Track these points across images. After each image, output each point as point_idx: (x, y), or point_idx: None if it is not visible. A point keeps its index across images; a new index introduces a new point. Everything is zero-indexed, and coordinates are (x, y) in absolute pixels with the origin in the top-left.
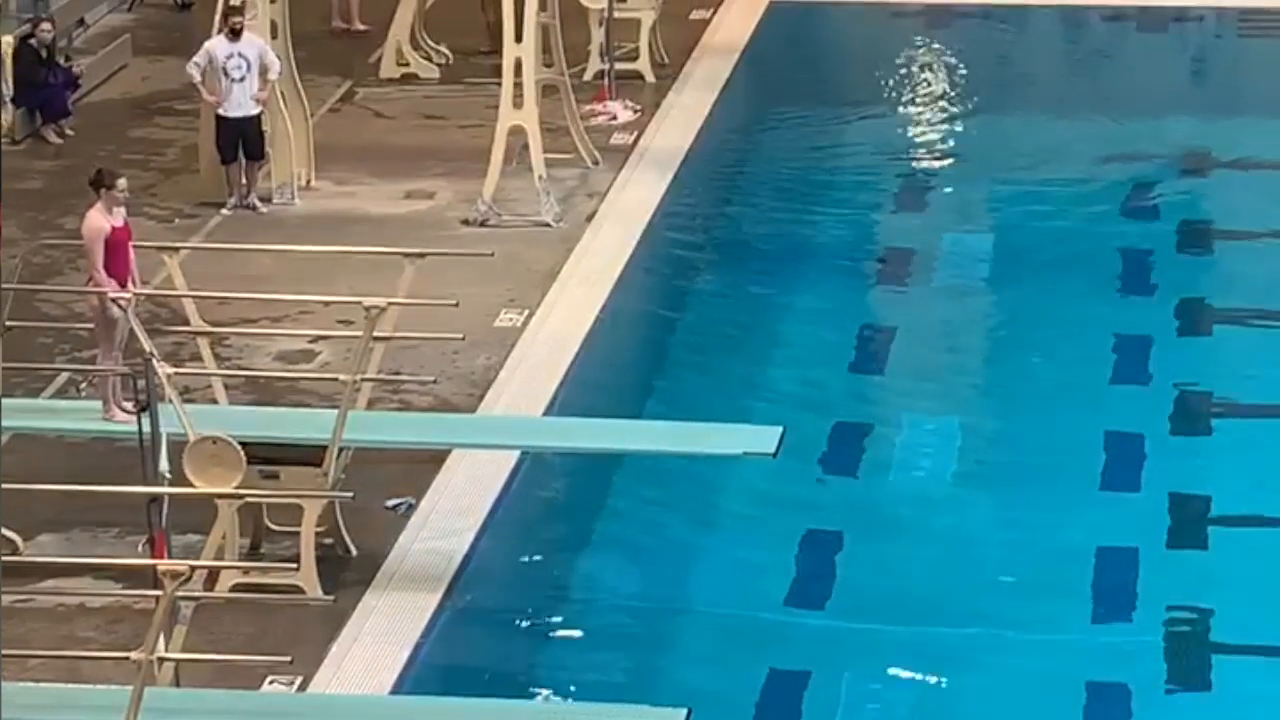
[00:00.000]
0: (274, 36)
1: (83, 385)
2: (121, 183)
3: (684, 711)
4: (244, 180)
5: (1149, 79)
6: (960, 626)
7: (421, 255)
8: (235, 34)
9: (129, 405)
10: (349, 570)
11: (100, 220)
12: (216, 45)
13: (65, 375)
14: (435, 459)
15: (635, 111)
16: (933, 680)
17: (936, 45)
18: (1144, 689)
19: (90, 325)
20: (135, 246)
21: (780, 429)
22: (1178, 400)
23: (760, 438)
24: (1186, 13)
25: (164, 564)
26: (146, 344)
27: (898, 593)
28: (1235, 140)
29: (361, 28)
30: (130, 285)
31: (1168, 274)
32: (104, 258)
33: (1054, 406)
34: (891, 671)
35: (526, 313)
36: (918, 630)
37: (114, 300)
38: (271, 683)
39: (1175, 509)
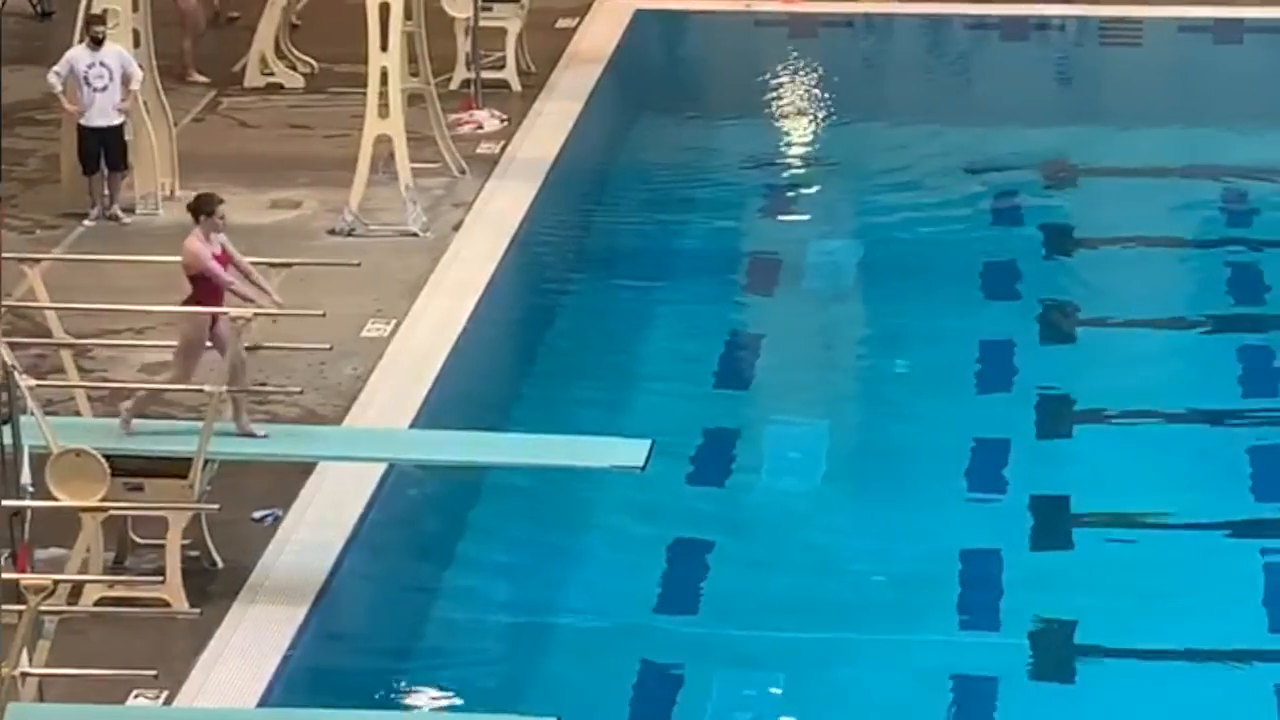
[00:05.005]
0: (136, 45)
1: None
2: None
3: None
4: (106, 191)
5: (1012, 87)
6: (828, 630)
7: (287, 265)
8: (97, 43)
9: None
10: (215, 583)
11: None
12: (78, 54)
13: None
14: (302, 470)
15: (502, 120)
16: (802, 683)
17: (801, 54)
18: (1009, 687)
19: None
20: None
21: (649, 442)
22: (1041, 405)
23: (629, 451)
24: (1049, 21)
25: (27, 578)
26: (8, 356)
27: (767, 598)
28: (1097, 147)
29: (233, 15)
30: None
31: (1032, 280)
32: None
33: (920, 412)
34: (762, 676)
35: (394, 323)
36: (787, 634)
37: None
38: (137, 697)
39: (1038, 511)
